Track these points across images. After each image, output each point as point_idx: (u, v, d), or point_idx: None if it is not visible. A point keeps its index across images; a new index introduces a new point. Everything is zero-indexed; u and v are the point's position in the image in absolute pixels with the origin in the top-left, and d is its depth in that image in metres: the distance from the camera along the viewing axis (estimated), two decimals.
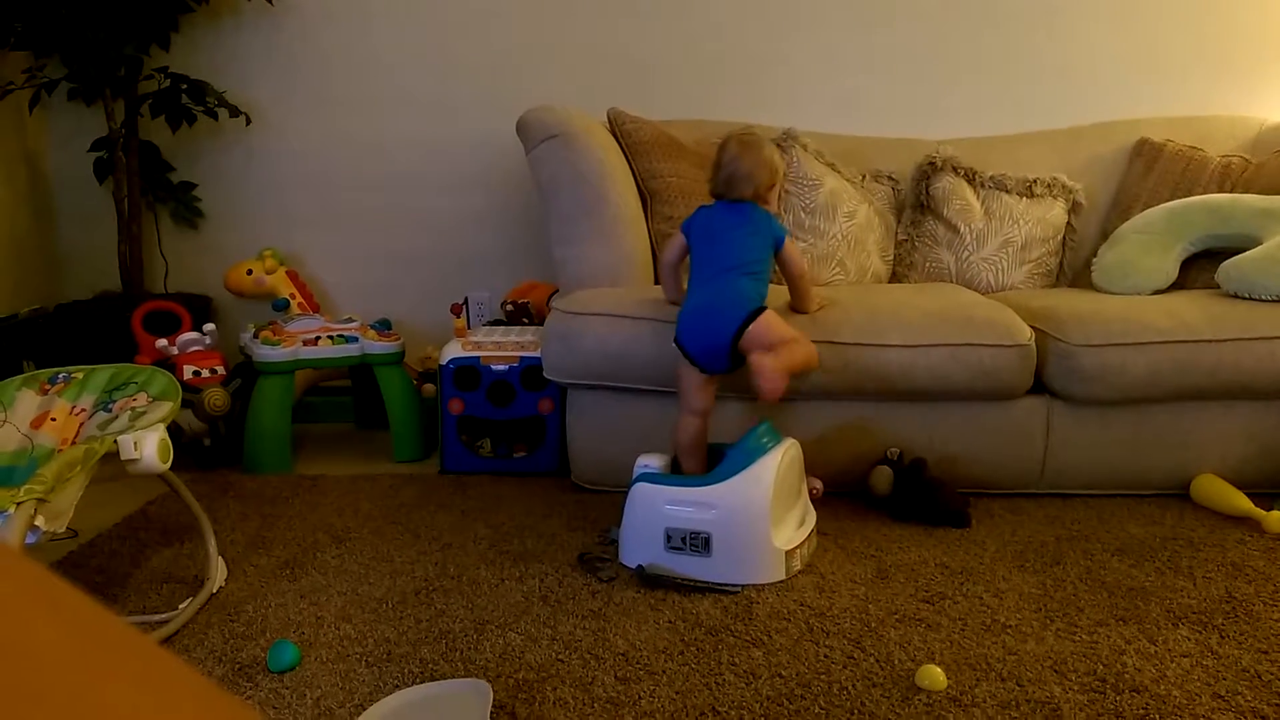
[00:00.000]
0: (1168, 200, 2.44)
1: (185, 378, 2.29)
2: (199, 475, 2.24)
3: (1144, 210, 2.46)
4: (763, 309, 1.80)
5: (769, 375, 1.68)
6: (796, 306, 2.00)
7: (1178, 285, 2.29)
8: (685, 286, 1.92)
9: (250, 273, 2.78)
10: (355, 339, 2.43)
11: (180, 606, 1.51)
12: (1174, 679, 1.31)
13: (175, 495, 1.59)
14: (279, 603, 1.56)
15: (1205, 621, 1.49)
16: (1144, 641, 1.42)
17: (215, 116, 2.82)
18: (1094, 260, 2.46)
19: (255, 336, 2.39)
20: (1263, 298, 2.05)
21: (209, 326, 2.44)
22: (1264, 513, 1.88)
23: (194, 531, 1.73)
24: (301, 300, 2.78)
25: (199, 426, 2.29)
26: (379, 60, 2.93)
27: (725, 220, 1.88)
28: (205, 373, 2.33)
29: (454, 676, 1.32)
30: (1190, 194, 2.45)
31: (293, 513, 2.01)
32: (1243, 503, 1.93)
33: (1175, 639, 1.43)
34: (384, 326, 2.53)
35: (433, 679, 1.31)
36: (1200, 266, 2.29)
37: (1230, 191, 2.40)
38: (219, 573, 1.62)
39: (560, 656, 1.38)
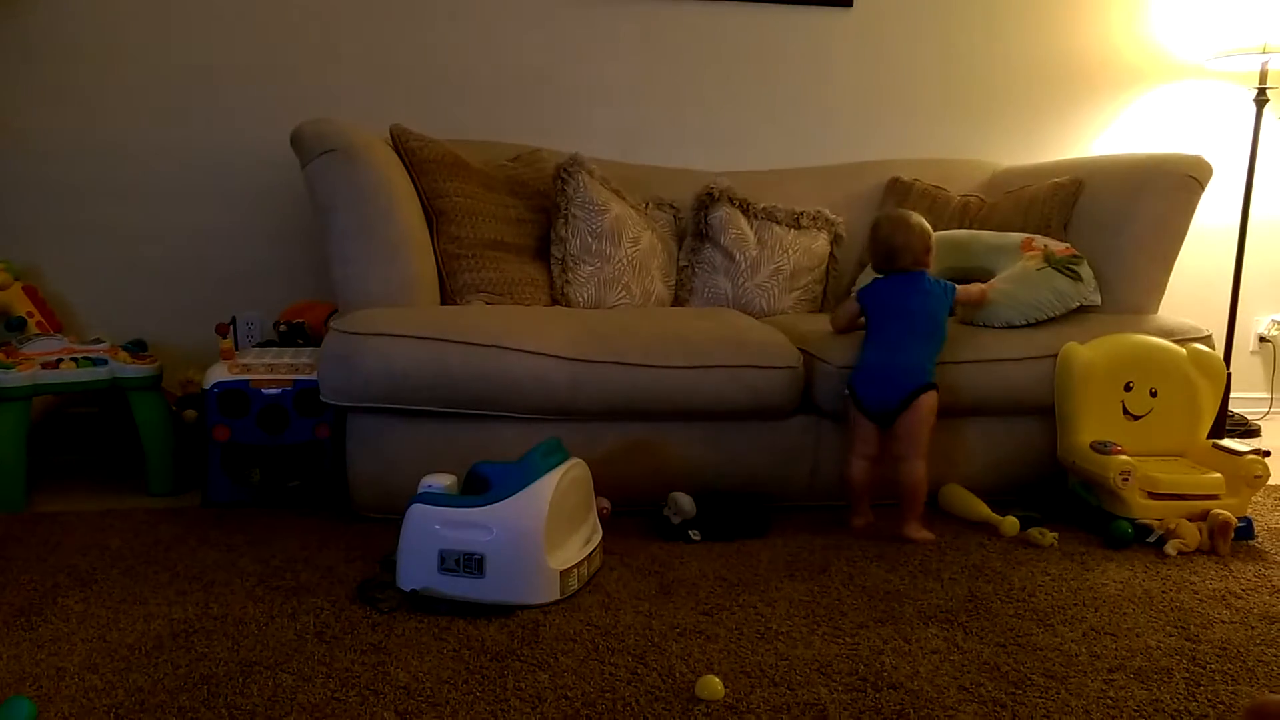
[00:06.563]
0: None
1: None
2: None
3: None
4: (930, 386, 2.02)
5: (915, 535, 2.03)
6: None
7: None
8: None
9: None
10: (104, 361, 2.23)
11: None
12: (925, 674, 1.43)
13: None
14: (11, 655, 1.40)
15: (951, 620, 1.63)
16: (899, 641, 1.54)
17: None
18: (853, 288, 2.65)
19: None
20: (994, 325, 2.28)
21: None
22: (1000, 518, 2.09)
23: None
24: (41, 319, 2.54)
25: None
26: (136, 58, 2.72)
27: (902, 290, 2.10)
28: None
29: None
30: (935, 229, 2.69)
31: (28, 554, 1.80)
32: (983, 510, 2.14)
33: (926, 637, 1.56)
34: (138, 348, 2.33)
35: None
36: None
37: (969, 228, 2.66)
38: None
39: (336, 694, 1.31)
